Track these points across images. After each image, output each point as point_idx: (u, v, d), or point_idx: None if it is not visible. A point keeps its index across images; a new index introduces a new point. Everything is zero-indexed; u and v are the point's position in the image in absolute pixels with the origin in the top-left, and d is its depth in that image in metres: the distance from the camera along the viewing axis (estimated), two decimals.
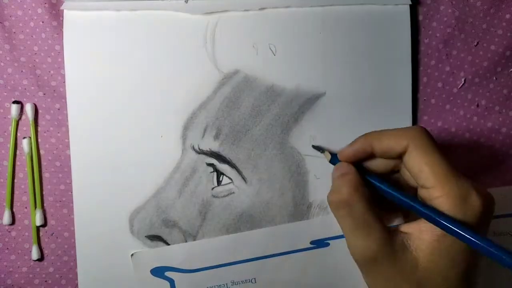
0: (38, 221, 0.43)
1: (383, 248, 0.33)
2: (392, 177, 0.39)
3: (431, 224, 0.33)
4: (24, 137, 0.43)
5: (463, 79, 0.45)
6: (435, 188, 0.33)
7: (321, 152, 0.43)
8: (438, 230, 0.32)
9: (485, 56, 0.45)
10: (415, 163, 0.34)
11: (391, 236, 0.34)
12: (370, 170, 0.38)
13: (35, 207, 0.43)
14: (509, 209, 0.45)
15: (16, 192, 0.44)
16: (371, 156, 0.37)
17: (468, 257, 0.32)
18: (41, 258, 0.44)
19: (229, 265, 0.44)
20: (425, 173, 0.33)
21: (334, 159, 0.40)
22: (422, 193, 0.34)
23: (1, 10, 0.43)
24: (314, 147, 0.43)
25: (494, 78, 0.45)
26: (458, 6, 0.45)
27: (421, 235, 0.33)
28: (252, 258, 0.44)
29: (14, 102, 0.43)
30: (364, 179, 0.37)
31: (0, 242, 0.44)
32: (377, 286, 0.35)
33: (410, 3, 0.44)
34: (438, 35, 0.45)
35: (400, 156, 0.35)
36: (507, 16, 0.44)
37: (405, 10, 0.44)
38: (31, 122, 0.43)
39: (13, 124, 0.43)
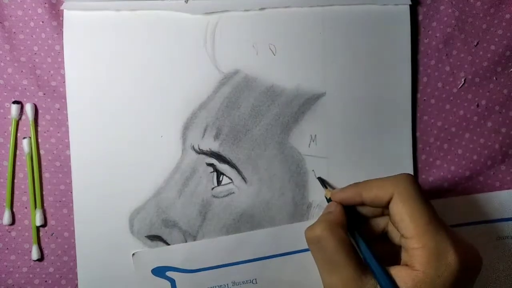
0: (38, 221, 0.43)
1: None
2: (383, 221, 0.39)
3: (409, 272, 0.32)
4: (24, 137, 0.43)
5: (463, 79, 0.45)
6: (413, 238, 0.33)
7: (324, 187, 0.43)
8: (415, 280, 0.32)
9: (485, 56, 0.45)
10: (397, 211, 0.34)
11: (361, 278, 0.33)
12: (361, 214, 0.39)
13: (35, 207, 0.43)
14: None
15: (16, 192, 0.44)
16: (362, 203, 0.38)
17: None
18: (41, 258, 0.44)
19: (230, 265, 0.44)
20: (405, 222, 0.33)
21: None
22: (403, 242, 0.34)
23: (1, 10, 0.43)
24: (319, 179, 0.44)
25: (494, 78, 0.45)
26: (458, 6, 0.45)
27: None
28: (253, 259, 0.44)
29: (14, 102, 0.43)
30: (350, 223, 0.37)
31: (0, 242, 0.44)
32: None
33: (410, 3, 0.44)
34: (438, 35, 0.45)
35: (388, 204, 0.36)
36: (507, 16, 0.44)
37: (405, 10, 0.44)
38: (31, 122, 0.43)
39: (13, 124, 0.43)
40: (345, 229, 0.36)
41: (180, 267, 0.43)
